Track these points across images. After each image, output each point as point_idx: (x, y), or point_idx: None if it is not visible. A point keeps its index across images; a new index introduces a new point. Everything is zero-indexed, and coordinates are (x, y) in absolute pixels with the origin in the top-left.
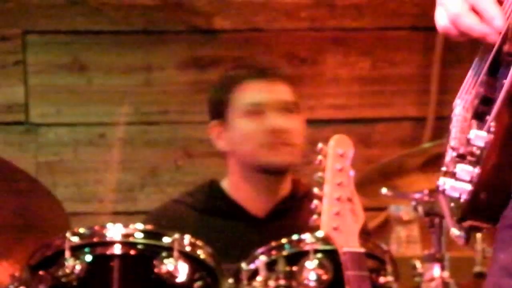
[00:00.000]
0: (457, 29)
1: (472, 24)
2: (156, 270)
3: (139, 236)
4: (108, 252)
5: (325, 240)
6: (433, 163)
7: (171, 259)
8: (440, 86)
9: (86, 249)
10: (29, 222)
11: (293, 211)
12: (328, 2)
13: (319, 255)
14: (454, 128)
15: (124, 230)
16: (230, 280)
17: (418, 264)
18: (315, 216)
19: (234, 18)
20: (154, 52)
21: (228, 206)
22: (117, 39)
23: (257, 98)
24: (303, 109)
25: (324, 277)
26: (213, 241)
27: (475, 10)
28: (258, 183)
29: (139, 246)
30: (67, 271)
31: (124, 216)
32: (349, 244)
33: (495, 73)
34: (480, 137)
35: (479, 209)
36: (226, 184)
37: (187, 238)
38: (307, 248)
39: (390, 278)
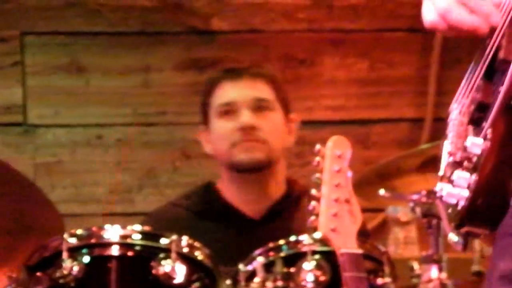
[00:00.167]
0: (446, 23)
1: (462, 17)
2: (153, 271)
3: (136, 237)
4: (105, 253)
5: (323, 241)
6: (430, 164)
7: (168, 261)
8: (438, 88)
9: (84, 250)
10: (25, 225)
11: (289, 212)
12: (326, 4)
13: (317, 256)
14: (451, 133)
15: (122, 231)
16: (228, 282)
17: (416, 265)
18: (312, 217)
19: (232, 19)
20: (152, 54)
21: (224, 209)
22: (115, 41)
23: (230, 97)
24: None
25: (322, 278)
26: (209, 243)
27: (463, 4)
28: (242, 184)
29: (137, 248)
30: (65, 272)
31: (122, 217)
32: (346, 245)
33: (491, 78)
34: (476, 144)
35: (476, 216)
36: (221, 186)
37: (185, 240)
38: (304, 249)
39: (387, 280)
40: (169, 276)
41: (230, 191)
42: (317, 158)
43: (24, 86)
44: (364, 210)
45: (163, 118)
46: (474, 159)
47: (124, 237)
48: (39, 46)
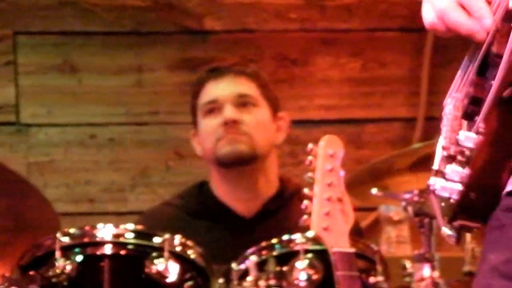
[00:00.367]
0: (444, 25)
1: (460, 20)
2: (146, 270)
3: (129, 236)
4: (98, 252)
5: (315, 240)
6: (423, 164)
7: (161, 259)
8: (430, 87)
9: (77, 249)
10: (20, 222)
11: (281, 210)
12: (318, 3)
13: (310, 255)
14: (445, 127)
15: (114, 230)
16: (221, 280)
17: (408, 264)
18: (305, 216)
19: (225, 19)
20: (145, 53)
21: (216, 208)
22: (108, 40)
23: (213, 95)
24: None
25: (314, 277)
26: (201, 242)
27: (463, 6)
28: (230, 180)
29: (130, 246)
30: (58, 271)
31: (115, 216)
32: (339, 244)
33: (484, 73)
34: (469, 138)
35: (469, 209)
36: (213, 186)
37: (178, 238)
38: (297, 248)
39: (380, 278)
40: (162, 275)
41: (222, 190)
42: (310, 157)
43: (17, 86)
44: (357, 209)
45: (156, 118)
46: (467, 153)
47: (117, 236)
48: (32, 46)
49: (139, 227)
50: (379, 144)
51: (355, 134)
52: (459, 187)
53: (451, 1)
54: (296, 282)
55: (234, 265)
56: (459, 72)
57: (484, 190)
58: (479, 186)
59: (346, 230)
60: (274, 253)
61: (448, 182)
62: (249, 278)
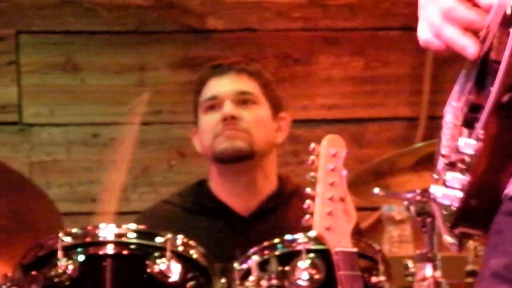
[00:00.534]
0: (439, 41)
1: (452, 37)
2: (148, 270)
3: (131, 236)
4: (100, 252)
5: (318, 240)
6: (425, 163)
7: (163, 259)
8: (433, 86)
9: (79, 249)
10: (22, 222)
11: (280, 208)
12: (320, 2)
13: (312, 255)
14: (445, 135)
15: (116, 230)
16: (223, 280)
17: (410, 263)
18: (307, 216)
19: (227, 18)
20: (147, 52)
21: (214, 205)
22: (110, 39)
23: (214, 91)
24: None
25: (317, 276)
26: (200, 240)
27: (452, 21)
28: (229, 177)
29: (132, 246)
30: (60, 271)
31: (117, 216)
32: (341, 243)
33: (483, 80)
34: (469, 145)
35: (470, 216)
36: (212, 184)
37: (180, 238)
38: (299, 248)
39: (382, 278)
40: (164, 275)
41: (220, 188)
42: (312, 157)
43: (20, 85)
44: (359, 209)
45: (158, 117)
46: (467, 160)
47: (119, 235)
48: (34, 45)
49: (141, 227)
50: (381, 143)
51: (357, 133)
52: (460, 194)
53: (442, 17)
54: (298, 282)
55: (236, 265)
56: (459, 80)
57: (484, 197)
58: (479, 192)
59: (348, 230)
60: (276, 253)
61: (449, 189)
62: (251, 278)
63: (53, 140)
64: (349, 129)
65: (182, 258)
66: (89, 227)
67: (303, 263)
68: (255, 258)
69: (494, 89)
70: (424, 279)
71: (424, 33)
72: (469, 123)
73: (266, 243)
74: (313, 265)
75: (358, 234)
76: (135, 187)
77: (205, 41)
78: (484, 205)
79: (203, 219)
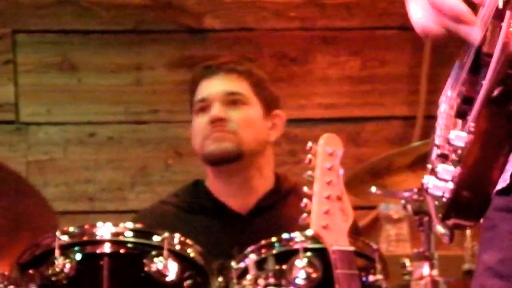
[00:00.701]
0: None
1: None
2: (146, 268)
3: (129, 235)
4: (98, 251)
5: (315, 238)
6: (422, 162)
7: (161, 258)
8: (430, 86)
9: (76, 248)
10: (19, 221)
11: (277, 206)
12: (318, 2)
13: (309, 253)
14: (439, 125)
15: (114, 229)
16: (220, 279)
17: (407, 262)
18: (304, 215)
19: (224, 18)
20: (144, 52)
21: (211, 204)
22: (107, 39)
23: (203, 94)
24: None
25: (314, 275)
26: (197, 239)
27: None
28: (223, 177)
29: (129, 245)
30: (57, 269)
31: (115, 215)
32: (338, 242)
33: (476, 72)
34: (459, 137)
35: (461, 208)
36: (208, 183)
37: (177, 237)
38: (296, 246)
39: (379, 277)
40: (161, 274)
41: (216, 187)
42: (309, 156)
43: (16, 84)
44: (356, 208)
45: (155, 116)
46: (459, 152)
47: (116, 234)
48: (31, 44)
49: (139, 225)
50: (378, 142)
51: (354, 133)
52: (451, 185)
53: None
54: (295, 280)
55: (233, 264)
56: (453, 70)
57: (475, 189)
58: (470, 184)
59: (345, 229)
60: (274, 252)
61: (441, 181)
62: (249, 277)
63: (50, 139)
64: (346, 128)
65: (179, 257)
66: (86, 226)
67: (300, 262)
68: (252, 257)
69: (485, 83)
70: (421, 277)
71: (419, 20)
72: (461, 114)
73: (263, 242)
74: (310, 264)
75: (356, 232)
76: (132, 186)
77: (202, 41)
78: (475, 196)
79: (200, 218)
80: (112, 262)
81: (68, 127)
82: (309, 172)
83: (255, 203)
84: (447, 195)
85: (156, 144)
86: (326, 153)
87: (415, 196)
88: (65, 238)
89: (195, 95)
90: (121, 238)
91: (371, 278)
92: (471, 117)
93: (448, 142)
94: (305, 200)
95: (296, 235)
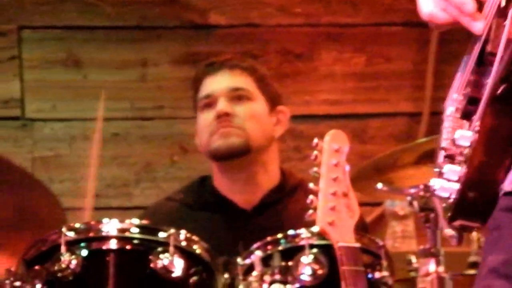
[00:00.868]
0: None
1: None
2: (152, 265)
3: (135, 231)
4: (103, 247)
5: (321, 235)
6: (427, 158)
7: (166, 254)
8: (435, 82)
9: (82, 244)
10: (26, 217)
11: (282, 203)
12: None
13: (315, 250)
14: (445, 128)
15: (119, 225)
16: (226, 275)
17: (413, 259)
18: (310, 211)
19: (229, 14)
20: (149, 48)
21: (216, 200)
22: (112, 35)
23: (208, 90)
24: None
25: (320, 272)
26: (203, 234)
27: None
28: (228, 173)
29: (135, 241)
30: (63, 266)
31: (120, 211)
32: (344, 239)
33: (480, 72)
34: (465, 137)
35: (468, 209)
36: (214, 179)
37: (183, 233)
38: (302, 243)
39: (385, 273)
40: (167, 270)
41: (221, 183)
42: (315, 152)
43: (22, 80)
44: (362, 204)
45: (160, 112)
46: (465, 152)
47: (122, 230)
48: (36, 40)
49: (145, 221)
50: (383, 139)
51: (359, 129)
52: (457, 186)
53: None
54: (301, 277)
55: (239, 260)
56: (458, 74)
57: (481, 189)
58: (476, 184)
59: (351, 225)
60: (279, 248)
61: (447, 182)
62: (255, 273)
63: (56, 135)
64: (351, 124)
65: (185, 253)
66: (92, 222)
67: (306, 258)
68: (258, 253)
69: (490, 82)
70: (427, 274)
71: (427, 7)
72: (467, 115)
73: (269, 238)
74: (316, 260)
75: (363, 229)
76: (137, 182)
77: (207, 37)
78: (482, 197)
79: (206, 214)
80: (118, 258)
81: (74, 123)
82: (315, 169)
83: (260, 199)
84: (453, 196)
85: (161, 140)
86: (332, 150)
87: (421, 193)
88: (71, 234)
89: (199, 92)
90: (127, 234)
91: (377, 274)
92: (477, 116)
93: (454, 143)
94: (311, 197)
95: (302, 232)
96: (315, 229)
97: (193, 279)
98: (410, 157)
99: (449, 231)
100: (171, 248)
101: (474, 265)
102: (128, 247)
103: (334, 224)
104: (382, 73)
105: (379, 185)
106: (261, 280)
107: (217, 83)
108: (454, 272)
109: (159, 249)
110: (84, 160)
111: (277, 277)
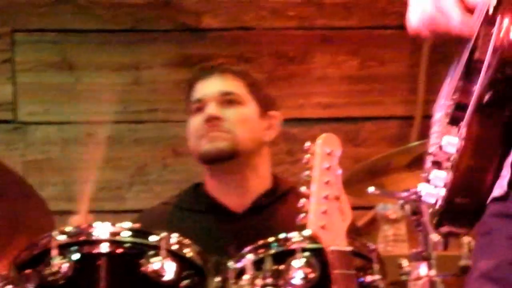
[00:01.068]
0: (429, 30)
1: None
2: (143, 268)
3: (126, 234)
4: (95, 251)
5: (312, 238)
6: (420, 162)
7: (158, 258)
8: (428, 85)
9: (73, 248)
10: (17, 221)
11: (274, 206)
12: (316, 1)
13: (306, 253)
14: (434, 133)
15: (111, 229)
16: (217, 279)
17: (405, 262)
18: (302, 215)
19: (223, 17)
20: (143, 51)
21: (208, 203)
22: (106, 38)
23: (199, 94)
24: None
25: (311, 275)
26: (196, 238)
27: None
28: (219, 176)
29: (126, 245)
30: (54, 269)
31: (112, 214)
32: (336, 242)
33: (468, 79)
34: (451, 143)
35: (454, 214)
36: (206, 183)
37: (174, 237)
38: (294, 246)
39: (377, 277)
40: (158, 274)
41: (212, 186)
42: (307, 156)
43: (15, 83)
44: (354, 208)
45: (153, 115)
46: (451, 158)
47: (114, 234)
48: (30, 43)
49: (136, 225)
50: (376, 142)
51: (352, 132)
52: (443, 193)
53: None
54: (292, 280)
55: (230, 264)
56: (447, 79)
57: (468, 195)
58: (463, 190)
59: (343, 229)
60: (271, 252)
61: (433, 188)
62: (246, 277)
63: (48, 139)
64: (344, 128)
65: (177, 257)
66: (83, 226)
67: (298, 262)
68: (250, 257)
69: (477, 89)
70: (419, 278)
71: (415, 20)
72: (455, 121)
73: (260, 242)
74: (307, 264)
75: (355, 232)
76: (130, 185)
77: (200, 40)
78: (468, 203)
79: (198, 217)
80: (109, 262)
81: (66, 126)
82: (307, 172)
83: (251, 202)
84: (439, 202)
85: (154, 144)
86: (324, 153)
87: (413, 196)
88: (62, 238)
89: (191, 97)
90: (118, 238)
91: (368, 278)
92: (463, 123)
93: (441, 148)
94: (302, 200)
95: (294, 235)
96: (306, 232)
97: (184, 282)
98: (403, 160)
99: (435, 237)
100: (163, 252)
101: (464, 268)
102: (119, 250)
103: (326, 227)
104: (376, 76)
105: (371, 189)
106: (252, 284)
107: (208, 87)
108: (445, 274)
109: (150, 252)
110: (76, 163)
111: (269, 281)
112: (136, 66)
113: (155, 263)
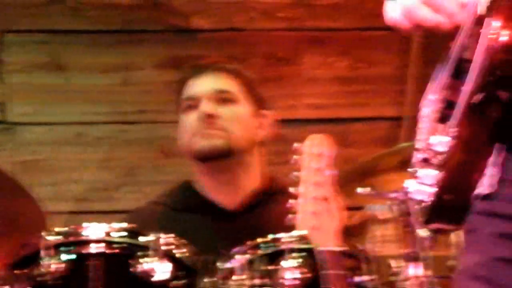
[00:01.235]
0: (410, 21)
1: (425, 15)
2: (133, 269)
3: (116, 235)
4: (85, 251)
5: (302, 239)
6: (409, 163)
7: (148, 258)
8: (417, 86)
9: (64, 248)
10: (9, 221)
11: (265, 205)
12: (306, 2)
13: (296, 254)
14: (421, 129)
15: (101, 229)
16: (207, 279)
17: (393, 263)
18: (291, 215)
19: (213, 18)
20: (132, 52)
21: (199, 201)
22: (95, 39)
23: (192, 92)
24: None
25: (301, 276)
26: (186, 237)
27: (428, 3)
28: (210, 174)
29: (117, 245)
30: (44, 270)
31: (102, 215)
32: (326, 243)
33: (458, 77)
34: (441, 142)
35: (444, 212)
36: (196, 182)
37: (165, 237)
38: (284, 247)
39: (366, 277)
40: (148, 274)
41: (204, 184)
42: (295, 157)
43: (4, 84)
44: (343, 208)
45: (143, 116)
46: (440, 156)
47: (104, 234)
48: (19, 44)
49: (126, 226)
50: (366, 143)
51: (342, 133)
52: (432, 190)
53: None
54: (282, 281)
55: (220, 264)
56: (435, 74)
57: (458, 192)
58: (452, 188)
59: (332, 229)
60: (261, 252)
61: (422, 185)
62: (235, 277)
63: (38, 140)
64: (334, 128)
65: (167, 257)
66: (74, 226)
67: (287, 263)
68: (239, 257)
69: (466, 89)
70: (407, 278)
71: (393, 12)
72: (443, 118)
73: (250, 242)
74: (297, 265)
75: (345, 233)
76: (120, 186)
77: (190, 41)
78: (458, 201)
79: (189, 216)
80: (100, 262)
81: (56, 127)
82: (296, 173)
83: (243, 200)
84: (428, 199)
85: (144, 145)
86: (313, 154)
87: (402, 197)
88: (52, 239)
89: (182, 94)
90: (108, 238)
91: (358, 278)
92: (453, 122)
93: (429, 146)
94: (291, 201)
95: (283, 236)
96: (296, 233)
97: (175, 283)
98: (392, 161)
99: (422, 233)
100: (152, 252)
101: (453, 268)
102: (109, 251)
103: (315, 228)
104: (365, 77)
105: (359, 190)
106: (242, 284)
107: (201, 85)
108: (433, 274)
109: (141, 253)
110: (66, 164)
111: (258, 281)
112: (126, 67)
113: (144, 264)
